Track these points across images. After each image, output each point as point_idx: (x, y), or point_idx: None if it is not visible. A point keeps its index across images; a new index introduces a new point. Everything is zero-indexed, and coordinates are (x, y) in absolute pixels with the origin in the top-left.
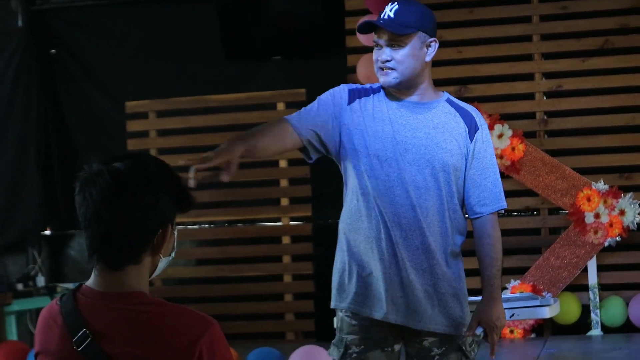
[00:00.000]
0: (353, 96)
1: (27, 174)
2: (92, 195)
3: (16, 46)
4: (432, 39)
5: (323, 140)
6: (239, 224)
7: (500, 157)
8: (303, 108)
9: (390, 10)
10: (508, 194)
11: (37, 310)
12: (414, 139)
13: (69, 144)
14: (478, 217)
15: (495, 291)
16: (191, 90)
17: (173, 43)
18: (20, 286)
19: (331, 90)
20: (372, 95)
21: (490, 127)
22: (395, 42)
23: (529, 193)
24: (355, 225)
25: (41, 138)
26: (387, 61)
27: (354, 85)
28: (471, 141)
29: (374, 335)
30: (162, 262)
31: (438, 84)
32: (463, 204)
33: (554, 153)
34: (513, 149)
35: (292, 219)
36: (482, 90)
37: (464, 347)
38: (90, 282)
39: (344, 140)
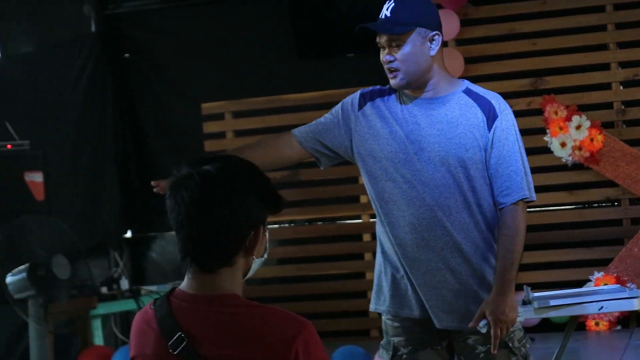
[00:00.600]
0: (364, 100)
1: (105, 178)
2: (184, 199)
3: (89, 51)
4: (434, 32)
5: (330, 147)
6: (319, 223)
7: (579, 148)
8: (316, 120)
9: (387, 9)
10: (588, 185)
11: (122, 314)
12: (428, 136)
13: (145, 147)
14: (502, 208)
15: (506, 284)
16: (266, 90)
17: (246, 43)
18: (104, 289)
19: (342, 102)
20: (386, 96)
21: (568, 119)
22: (395, 41)
23: (609, 184)
24: (383, 228)
25: (118, 142)
26: (391, 62)
27: (368, 89)
28: (489, 130)
29: (419, 335)
30: (255, 263)
31: (513, 76)
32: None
33: (633, 143)
34: (592, 140)
35: (372, 216)
36: (558, 82)
37: (510, 344)
38: (183, 285)
39: (356, 146)
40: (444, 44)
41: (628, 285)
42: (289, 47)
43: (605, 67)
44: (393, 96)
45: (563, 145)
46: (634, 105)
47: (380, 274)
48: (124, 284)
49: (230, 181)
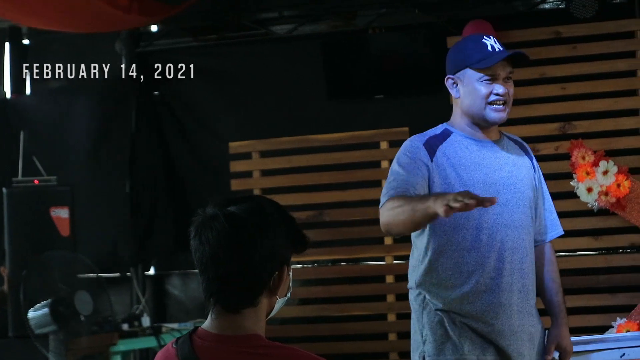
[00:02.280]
0: (431, 149)
1: (127, 215)
2: (209, 240)
3: (119, 88)
4: None
5: None
6: (343, 263)
7: (605, 194)
8: (393, 180)
9: (495, 43)
10: (614, 231)
11: (142, 351)
12: (502, 178)
13: (173, 184)
14: (542, 244)
15: (566, 316)
16: (294, 130)
17: (276, 83)
18: (125, 326)
19: (408, 152)
20: (445, 141)
21: (595, 164)
22: (512, 74)
23: (635, 230)
24: (450, 281)
25: (143, 178)
26: (505, 94)
27: (421, 137)
28: (534, 172)
29: None
30: (278, 303)
31: (541, 120)
32: None
33: None
34: (618, 185)
35: (396, 258)
36: (587, 127)
37: None
38: (206, 324)
39: None
40: None
41: None
42: (318, 87)
43: (634, 112)
44: (452, 141)
45: (589, 190)
46: None
47: (439, 327)
48: (146, 321)
49: (257, 222)
